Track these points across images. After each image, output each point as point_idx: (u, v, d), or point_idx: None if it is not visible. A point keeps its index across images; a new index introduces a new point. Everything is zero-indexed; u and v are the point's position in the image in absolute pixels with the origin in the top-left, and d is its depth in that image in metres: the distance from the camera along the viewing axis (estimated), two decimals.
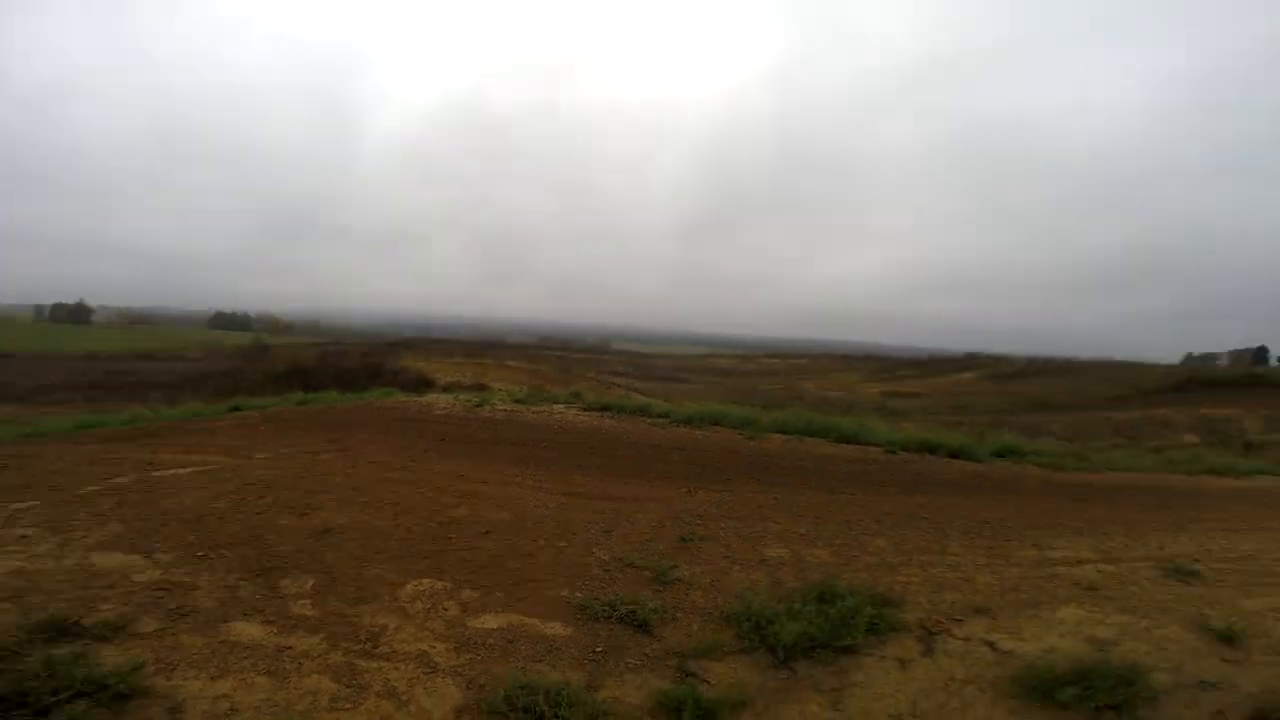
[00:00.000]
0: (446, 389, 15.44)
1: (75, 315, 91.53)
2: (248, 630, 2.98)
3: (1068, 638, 3.42)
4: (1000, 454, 7.18)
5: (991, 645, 3.33)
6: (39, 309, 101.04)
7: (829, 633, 3.18)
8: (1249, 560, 4.81)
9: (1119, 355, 49.72)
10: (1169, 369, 44.41)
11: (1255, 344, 54.13)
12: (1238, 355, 51.50)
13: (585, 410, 7.57)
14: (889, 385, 45.57)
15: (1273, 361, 50.41)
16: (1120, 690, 2.86)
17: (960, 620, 3.57)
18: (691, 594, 3.65)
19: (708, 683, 2.90)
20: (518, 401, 7.99)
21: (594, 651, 3.06)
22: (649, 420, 7.42)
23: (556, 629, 3.22)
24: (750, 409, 8.27)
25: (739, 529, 4.68)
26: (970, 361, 54.18)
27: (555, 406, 7.76)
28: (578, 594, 3.51)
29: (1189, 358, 52.12)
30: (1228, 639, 3.44)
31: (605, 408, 7.59)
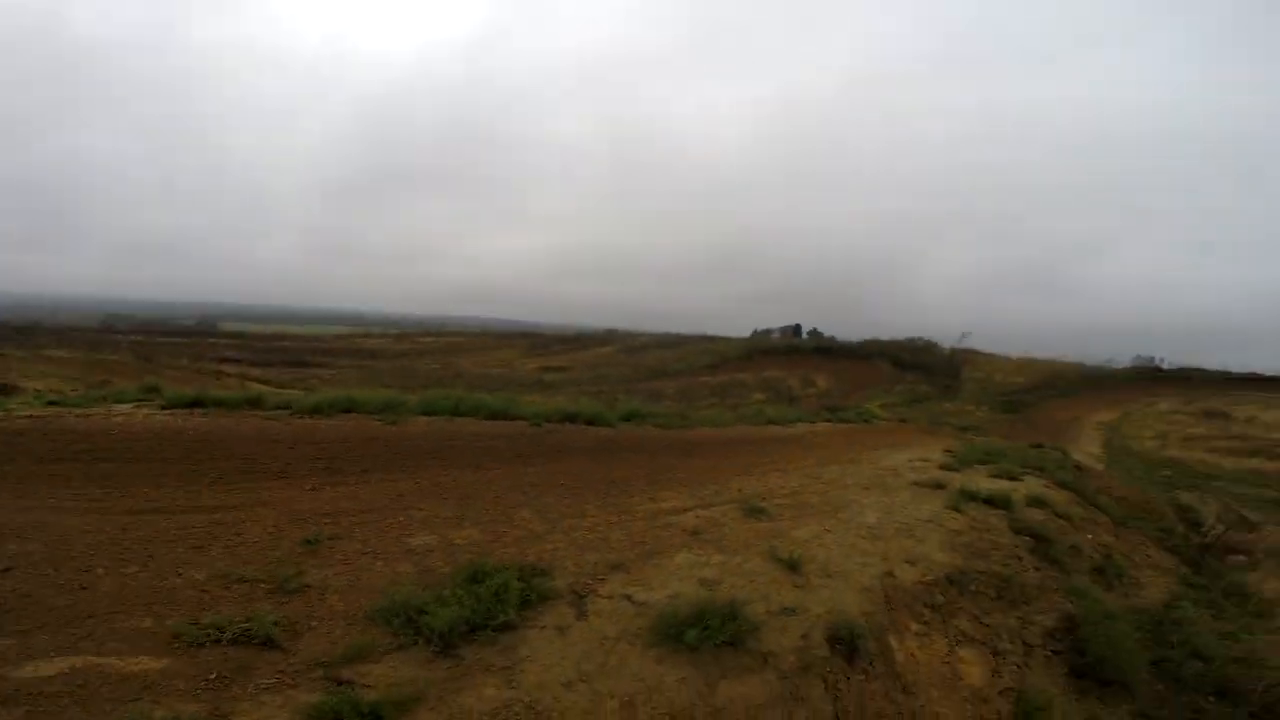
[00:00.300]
0: None
1: None
2: None
3: (685, 581, 3.86)
4: (627, 418, 8.04)
5: (630, 599, 3.59)
6: None
7: (484, 613, 3.10)
8: (796, 495, 6.17)
9: (712, 330, 61.77)
10: (742, 341, 56.81)
11: (794, 322, 72.42)
12: (784, 330, 68.39)
13: (166, 408, 5.92)
14: (544, 360, 48.21)
15: (804, 335, 67.96)
16: (728, 626, 3.27)
17: (603, 579, 3.78)
18: (327, 598, 3.26)
19: (368, 686, 2.65)
20: (55, 404, 5.84)
21: (208, 680, 2.60)
22: (263, 414, 6.21)
23: (146, 664, 2.64)
24: (391, 392, 7.62)
25: (378, 521, 4.28)
26: (609, 337, 60.97)
27: (118, 406, 5.89)
28: (167, 622, 2.90)
29: (754, 332, 67.14)
30: (792, 567, 4.22)
31: (196, 403, 6.05)
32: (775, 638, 3.47)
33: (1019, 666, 4.42)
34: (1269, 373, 41.02)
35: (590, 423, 7.46)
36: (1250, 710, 4.54)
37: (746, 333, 65.87)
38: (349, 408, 6.49)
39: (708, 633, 3.21)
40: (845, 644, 3.53)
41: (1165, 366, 42.32)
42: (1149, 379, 40.72)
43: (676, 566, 4.11)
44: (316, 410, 6.33)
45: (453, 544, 4.07)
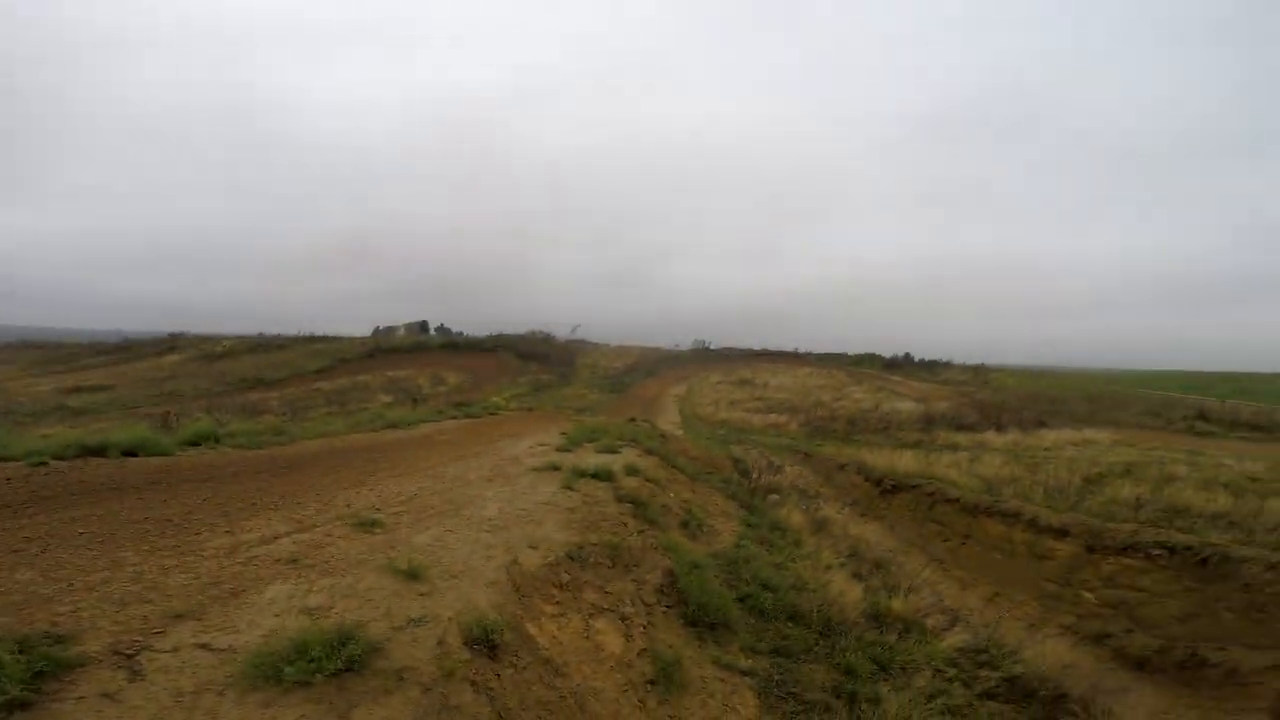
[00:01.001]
0: None
1: None
2: None
3: (284, 615, 3.28)
4: (194, 442, 6.40)
5: (207, 647, 2.94)
6: None
7: None
8: (415, 500, 5.78)
9: (326, 330, 55.37)
10: (363, 340, 52.52)
11: (420, 318, 70.22)
12: (410, 327, 65.71)
13: None
14: (70, 378, 36.13)
15: (432, 331, 66.41)
16: (342, 651, 2.84)
17: (161, 632, 3.02)
18: None
19: None
20: None
21: None
22: None
23: None
24: None
25: None
26: (174, 343, 49.07)
27: None
28: None
29: (376, 330, 62.93)
30: (414, 575, 3.87)
31: None
32: (407, 651, 3.11)
33: (645, 627, 4.67)
34: (776, 348, 56.48)
35: (131, 453, 5.68)
36: (817, 630, 5.59)
37: (368, 330, 61.18)
38: None
39: (314, 664, 2.77)
40: (484, 642, 3.39)
41: (713, 346, 54.44)
42: (704, 357, 51.91)
43: (269, 601, 3.42)
44: None
45: None
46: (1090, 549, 9.69)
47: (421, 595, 3.71)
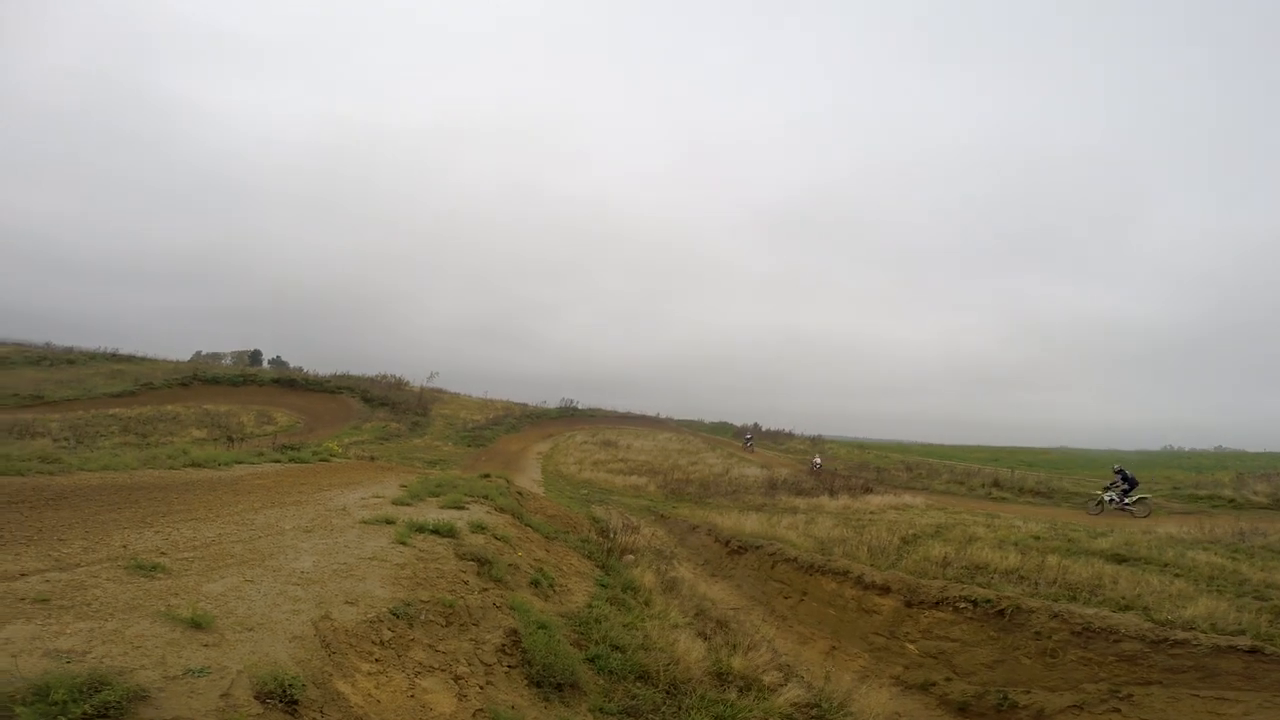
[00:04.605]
0: None
1: None
2: None
3: (25, 656, 2.88)
4: None
5: None
6: None
7: None
8: (213, 546, 5.13)
9: (132, 348, 48.26)
10: (178, 365, 46.42)
11: (253, 347, 63.83)
12: (238, 356, 59.24)
13: None
14: None
15: (265, 363, 60.42)
16: (96, 697, 2.57)
17: None
18: None
19: None
20: None
21: None
22: None
23: None
24: None
25: None
26: None
27: None
28: None
29: (197, 355, 56.05)
30: (199, 625, 3.49)
31: None
32: (183, 702, 2.80)
33: (482, 686, 4.53)
34: (639, 412, 57.41)
35: None
36: (664, 689, 5.58)
37: (187, 355, 54.34)
38: None
39: (56, 708, 2.50)
40: (280, 696, 3.10)
41: (580, 407, 54.15)
42: (570, 416, 51.45)
43: (7, 641, 3.00)
44: None
45: None
46: (909, 604, 10.48)
47: (207, 646, 3.34)
